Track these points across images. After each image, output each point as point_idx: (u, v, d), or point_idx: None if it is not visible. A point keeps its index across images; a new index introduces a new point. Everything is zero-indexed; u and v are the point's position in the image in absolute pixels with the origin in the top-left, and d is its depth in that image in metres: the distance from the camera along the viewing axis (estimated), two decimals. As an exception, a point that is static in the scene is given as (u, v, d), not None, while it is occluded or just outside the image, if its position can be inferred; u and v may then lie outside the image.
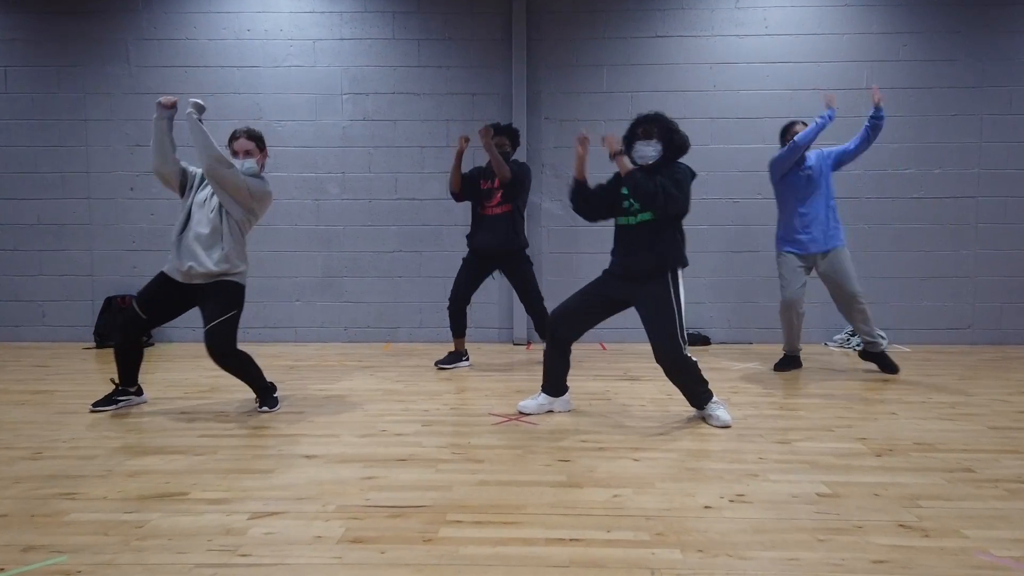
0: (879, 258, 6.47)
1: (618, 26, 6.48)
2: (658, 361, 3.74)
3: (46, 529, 2.43)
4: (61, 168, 6.61)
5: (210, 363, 5.50)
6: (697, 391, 3.81)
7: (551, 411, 4.01)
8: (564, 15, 6.48)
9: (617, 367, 5.44)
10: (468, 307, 5.34)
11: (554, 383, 4.01)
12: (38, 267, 6.65)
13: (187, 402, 4.30)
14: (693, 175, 3.83)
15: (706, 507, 2.62)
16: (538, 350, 6.18)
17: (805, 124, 5.04)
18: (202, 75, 6.55)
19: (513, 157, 5.31)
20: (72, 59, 6.55)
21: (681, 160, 3.87)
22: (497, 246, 5.18)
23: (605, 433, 3.60)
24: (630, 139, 3.85)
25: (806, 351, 5.99)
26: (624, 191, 3.81)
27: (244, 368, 3.98)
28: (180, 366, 5.49)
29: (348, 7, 6.50)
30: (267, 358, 5.80)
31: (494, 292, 6.57)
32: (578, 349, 6.03)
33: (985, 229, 6.44)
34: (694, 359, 3.79)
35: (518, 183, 5.15)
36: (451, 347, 5.46)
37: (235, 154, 4.05)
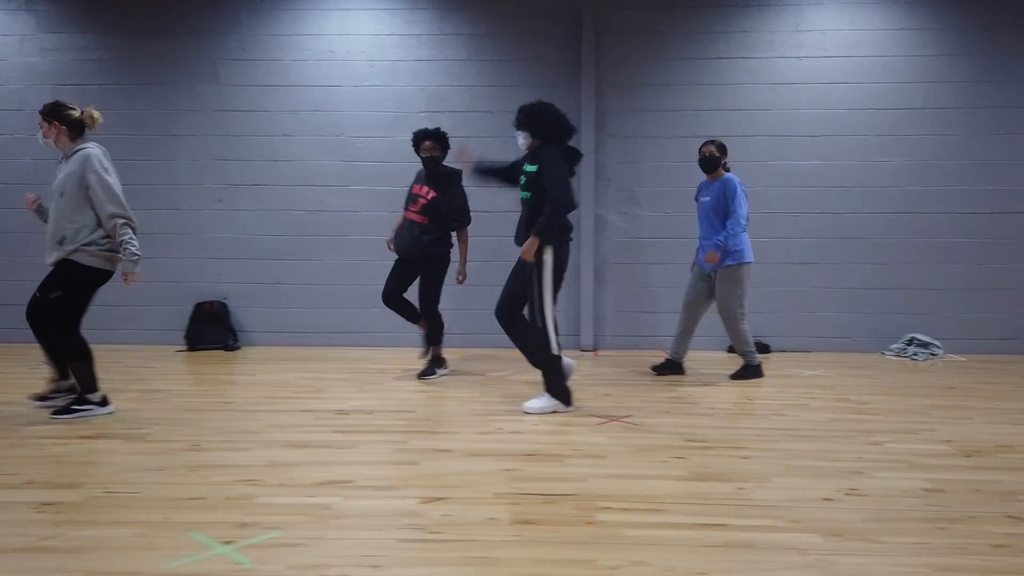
0: (932, 271, 6.73)
1: (682, 48, 6.79)
2: (496, 314, 4.43)
3: (246, 510, 2.76)
4: (151, 181, 6.98)
5: (305, 364, 5.82)
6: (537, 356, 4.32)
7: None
8: (631, 37, 6.80)
9: (691, 374, 5.71)
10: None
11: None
12: (129, 274, 7.02)
13: (301, 401, 4.63)
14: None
15: (825, 499, 2.91)
16: (605, 356, 6.49)
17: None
18: (286, 94, 6.92)
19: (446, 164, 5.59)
20: (163, 78, 6.94)
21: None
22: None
23: (705, 433, 3.89)
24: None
25: (865, 360, 6.28)
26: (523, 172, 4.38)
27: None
28: (273, 368, 5.82)
29: (426, 30, 6.86)
30: (352, 361, 6.15)
31: (560, 300, 6.88)
32: (647, 358, 6.29)
33: (1036, 244, 6.69)
34: (544, 329, 4.22)
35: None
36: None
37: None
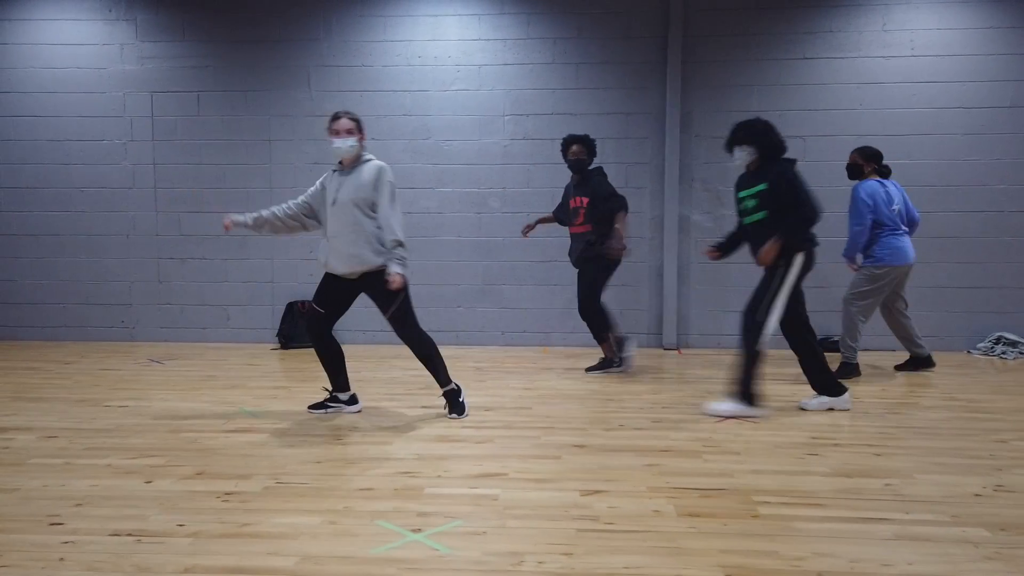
0: (1021, 269, 6.68)
1: (768, 48, 6.83)
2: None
3: (418, 501, 2.90)
4: (246, 184, 7.22)
5: (404, 362, 6.01)
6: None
7: (831, 409, 4.43)
8: (716, 38, 6.86)
9: (784, 372, 5.76)
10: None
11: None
12: (224, 274, 7.27)
13: (417, 398, 4.78)
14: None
15: (976, 495, 2.97)
16: (689, 355, 6.55)
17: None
18: (375, 98, 7.10)
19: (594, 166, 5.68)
20: (258, 84, 7.16)
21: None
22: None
23: (829, 432, 3.96)
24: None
25: (954, 359, 6.27)
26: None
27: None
28: (376, 365, 5.99)
29: (512, 34, 6.99)
30: (453, 359, 6.27)
31: (643, 299, 6.97)
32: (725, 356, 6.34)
33: None
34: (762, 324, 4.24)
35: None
36: (600, 352, 5.88)
37: (335, 133, 4.13)
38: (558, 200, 7.06)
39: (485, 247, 7.13)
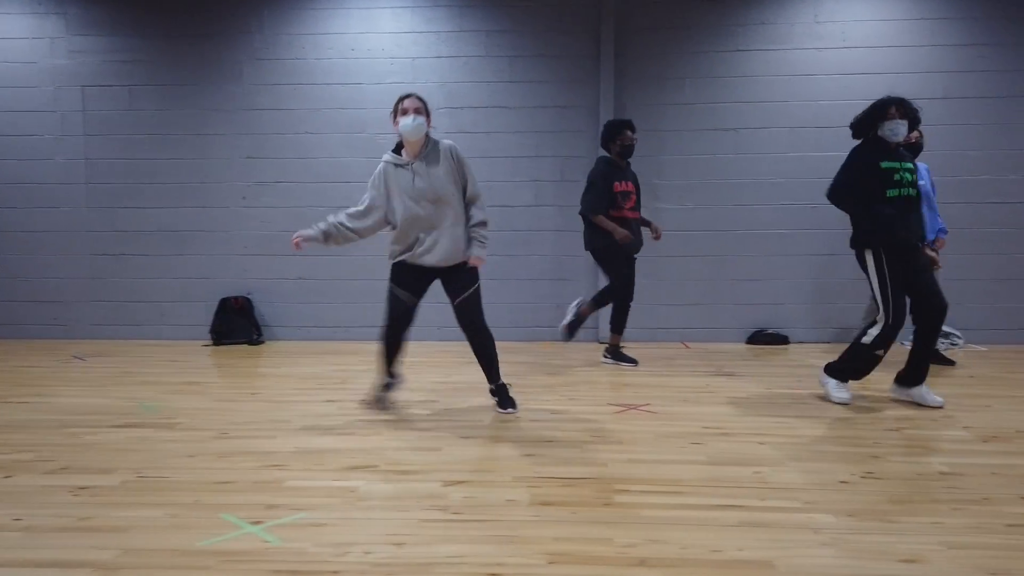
0: (957, 261, 6.68)
1: (701, 41, 6.81)
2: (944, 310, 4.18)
3: (275, 493, 2.85)
4: (180, 180, 7.14)
5: (329, 357, 5.96)
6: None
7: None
8: (649, 31, 6.83)
9: (709, 364, 5.75)
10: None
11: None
12: (159, 270, 7.19)
13: (328, 392, 4.73)
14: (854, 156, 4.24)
15: (842, 482, 2.95)
16: (625, 348, 6.53)
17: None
18: (309, 92, 7.04)
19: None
20: (191, 78, 7.08)
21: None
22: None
23: (723, 421, 3.93)
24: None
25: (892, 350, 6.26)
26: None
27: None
28: (298, 361, 5.94)
29: (445, 27, 6.94)
30: (375, 355, 6.23)
31: (581, 292, 6.94)
32: (664, 348, 6.39)
33: (1062, 233, 6.63)
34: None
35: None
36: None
37: (404, 111, 3.91)
38: (496, 193, 7.03)
39: (421, 242, 7.07)
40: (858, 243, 4.25)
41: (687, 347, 6.63)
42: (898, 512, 2.61)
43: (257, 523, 2.55)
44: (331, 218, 4.11)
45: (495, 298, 7.03)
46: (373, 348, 6.58)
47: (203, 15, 7.04)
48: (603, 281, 6.93)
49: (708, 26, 6.80)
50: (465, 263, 3.99)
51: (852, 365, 4.34)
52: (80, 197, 7.21)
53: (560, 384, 4.96)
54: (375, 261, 7.09)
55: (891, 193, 4.11)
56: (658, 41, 6.84)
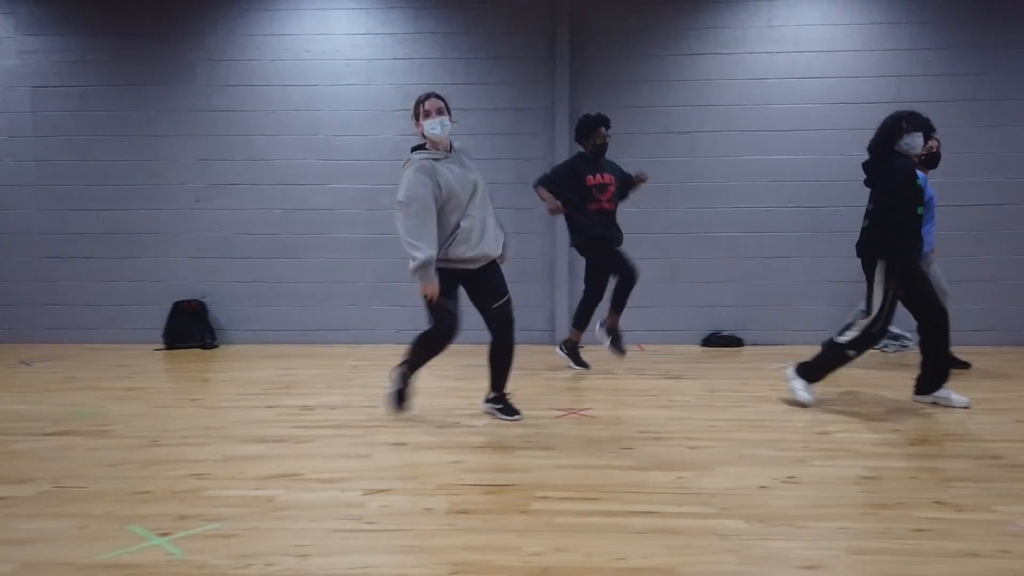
0: (907, 263, 6.76)
1: (655, 44, 6.83)
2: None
3: (191, 503, 2.82)
4: (132, 181, 7.06)
5: (280, 361, 5.91)
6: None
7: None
8: (604, 34, 6.85)
9: (658, 367, 5.77)
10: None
11: None
12: (111, 273, 7.10)
13: (270, 397, 4.69)
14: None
15: (762, 487, 2.96)
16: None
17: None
18: (264, 93, 6.98)
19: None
20: (143, 79, 7.00)
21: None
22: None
23: (660, 425, 3.95)
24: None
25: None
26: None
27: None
28: (248, 365, 5.89)
29: (400, 28, 6.91)
30: (328, 358, 6.21)
31: (536, 295, 6.94)
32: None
33: (1009, 235, 6.71)
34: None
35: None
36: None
37: (427, 114, 3.78)
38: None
39: (378, 244, 7.04)
40: (877, 253, 4.23)
41: (642, 349, 6.65)
42: (809, 517, 2.63)
43: (165, 535, 2.52)
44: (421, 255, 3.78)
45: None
46: (329, 352, 6.56)
47: (155, 15, 6.96)
48: (570, 281, 6.93)
49: (663, 29, 6.83)
50: (497, 264, 4.02)
51: (825, 365, 4.37)
52: (30, 199, 7.10)
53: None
54: (331, 263, 7.05)
55: (919, 210, 4.19)
56: (613, 44, 6.86)
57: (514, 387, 4.93)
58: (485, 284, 3.98)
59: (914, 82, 6.69)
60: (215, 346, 6.93)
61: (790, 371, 4.51)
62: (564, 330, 6.93)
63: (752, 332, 6.90)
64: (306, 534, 2.52)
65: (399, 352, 6.63)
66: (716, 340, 6.83)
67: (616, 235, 5.49)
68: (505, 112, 6.94)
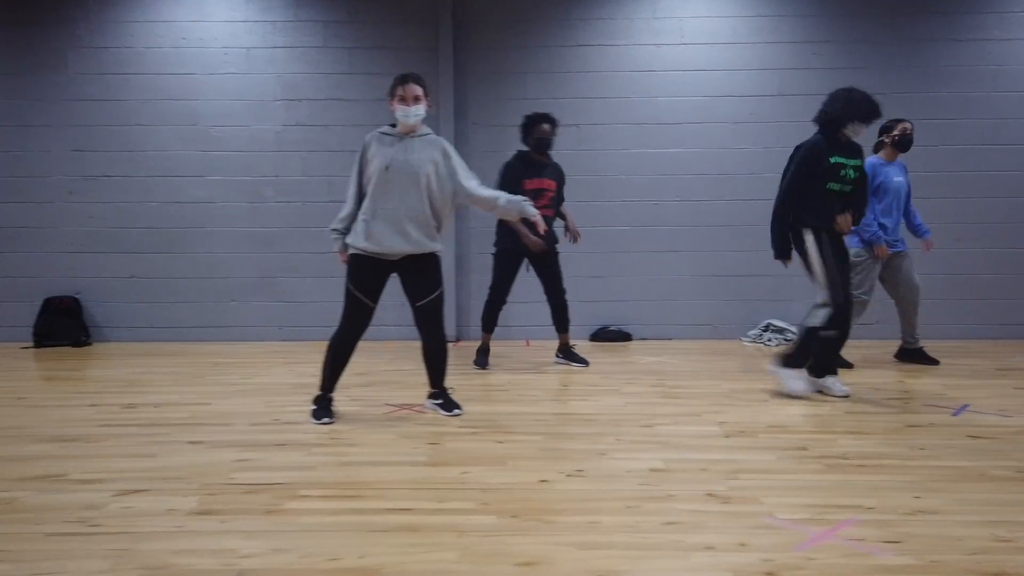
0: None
1: (542, 35, 6.73)
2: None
3: (-79, 506, 2.62)
4: (1, 173, 6.76)
5: (146, 359, 5.70)
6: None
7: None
8: (490, 24, 6.73)
9: (530, 361, 5.66)
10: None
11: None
12: (-22, 269, 6.79)
13: (103, 396, 4.48)
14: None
15: (542, 481, 2.85)
16: (466, 347, 6.40)
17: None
18: (140, 82, 6.74)
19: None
20: (11, 68, 6.71)
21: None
22: None
23: (487, 419, 3.83)
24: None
25: (723, 347, 6.28)
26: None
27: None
28: (109, 363, 5.66)
29: (280, 16, 6.71)
30: (199, 356, 6.00)
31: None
32: (505, 346, 6.24)
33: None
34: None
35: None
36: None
37: (403, 100, 3.65)
38: (335, 188, 6.79)
39: (260, 238, 6.84)
40: (797, 225, 4.31)
41: (528, 345, 6.54)
42: (567, 511, 2.52)
43: None
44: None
45: (336, 296, 6.83)
46: (205, 350, 6.34)
47: (22, 1, 6.67)
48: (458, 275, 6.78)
49: (549, 20, 6.73)
50: (431, 263, 3.76)
51: (803, 351, 4.31)
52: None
53: (362, 383, 4.80)
54: (211, 258, 6.83)
55: (832, 187, 4.22)
56: (499, 35, 6.74)
57: (374, 381, 4.80)
58: (409, 279, 3.80)
59: (798, 75, 6.68)
60: (88, 344, 6.67)
61: (774, 365, 4.44)
62: (451, 325, 6.81)
63: (640, 327, 6.83)
64: (17, 538, 2.34)
65: (282, 350, 6.48)
66: (604, 335, 6.75)
67: (548, 242, 5.21)
68: (390, 103, 6.77)
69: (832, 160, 4.21)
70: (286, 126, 6.79)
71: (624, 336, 6.76)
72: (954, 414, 3.91)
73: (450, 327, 6.80)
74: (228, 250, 6.83)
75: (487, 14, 6.72)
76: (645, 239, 6.80)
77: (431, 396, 4.03)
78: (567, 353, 5.51)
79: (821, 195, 4.24)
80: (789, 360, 4.36)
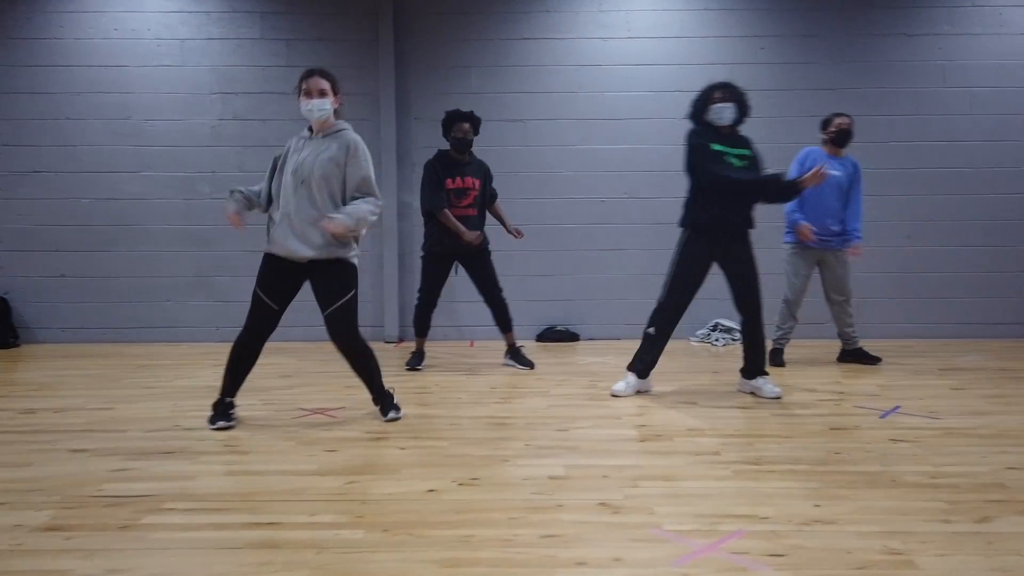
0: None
1: (485, 28, 6.58)
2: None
3: None
4: (-76, 168, 6.51)
5: (70, 361, 5.51)
6: None
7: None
8: (432, 17, 6.56)
9: (468, 362, 5.51)
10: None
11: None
12: (-99, 269, 6.54)
13: (7, 400, 4.27)
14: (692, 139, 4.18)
15: (430, 491, 2.69)
16: (408, 348, 6.23)
17: None
18: (69, 74, 6.51)
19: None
20: (-66, 58, 6.46)
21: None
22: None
23: (397, 424, 3.66)
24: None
25: (668, 346, 6.16)
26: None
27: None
28: (30, 365, 5.44)
29: (215, 7, 6.51)
30: (127, 358, 5.79)
31: (364, 290, 6.63)
32: (448, 347, 6.05)
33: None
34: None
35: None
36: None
37: (307, 93, 3.53)
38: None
39: (196, 236, 6.63)
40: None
41: (472, 345, 6.39)
42: (443, 524, 2.37)
43: None
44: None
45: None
46: (136, 351, 6.13)
47: (-53, -11, 6.43)
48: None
49: (493, 12, 6.57)
50: (338, 271, 3.57)
51: (641, 355, 4.30)
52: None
53: (284, 386, 4.62)
54: (145, 256, 6.62)
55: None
56: (442, 27, 6.58)
57: (298, 383, 4.61)
58: (316, 285, 3.63)
59: (743, 69, 6.55)
60: (16, 345, 6.43)
61: (743, 383, 4.36)
62: (395, 326, 6.65)
63: (588, 327, 6.69)
64: None
65: (217, 351, 6.26)
66: (551, 335, 6.61)
67: (450, 249, 5.06)
68: (330, 97, 6.58)
69: (714, 148, 4.14)
70: (222, 120, 6.59)
71: (571, 336, 6.62)
72: (882, 416, 3.80)
73: (392, 327, 6.65)
74: (163, 248, 6.62)
75: (429, 6, 6.55)
76: (592, 237, 6.67)
77: (374, 403, 3.82)
78: (515, 355, 5.33)
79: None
80: (755, 366, 4.28)
